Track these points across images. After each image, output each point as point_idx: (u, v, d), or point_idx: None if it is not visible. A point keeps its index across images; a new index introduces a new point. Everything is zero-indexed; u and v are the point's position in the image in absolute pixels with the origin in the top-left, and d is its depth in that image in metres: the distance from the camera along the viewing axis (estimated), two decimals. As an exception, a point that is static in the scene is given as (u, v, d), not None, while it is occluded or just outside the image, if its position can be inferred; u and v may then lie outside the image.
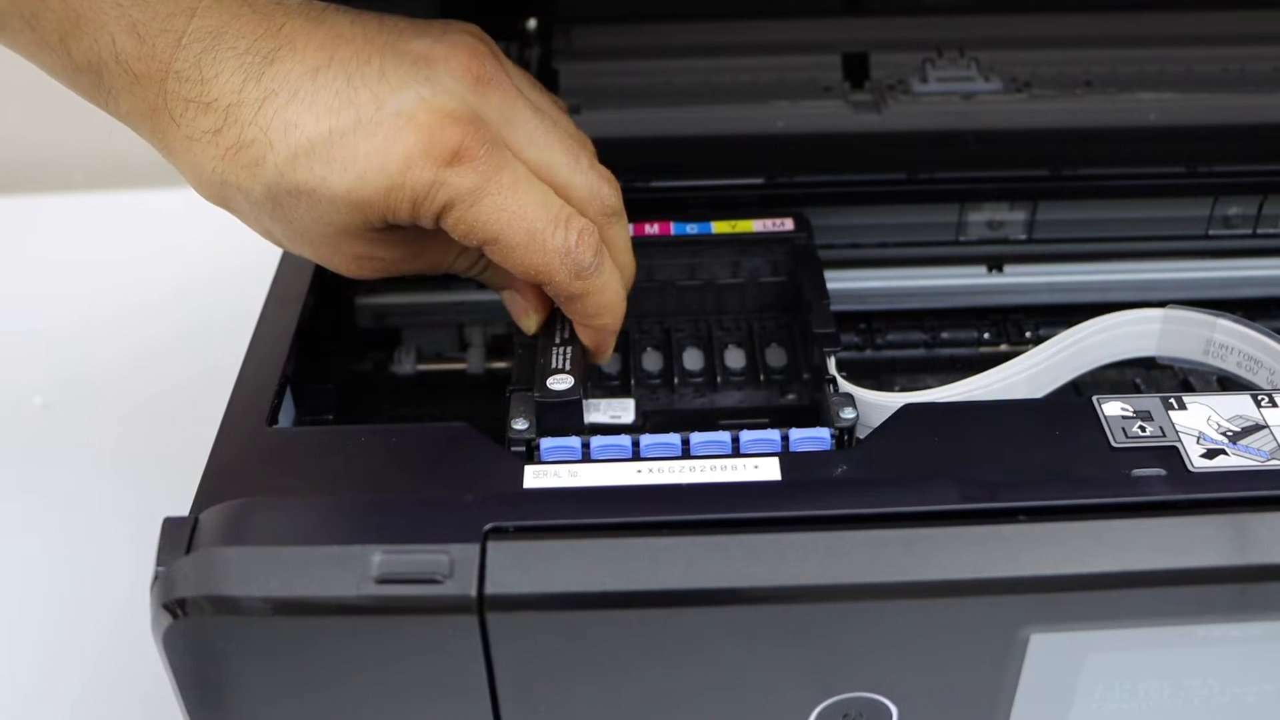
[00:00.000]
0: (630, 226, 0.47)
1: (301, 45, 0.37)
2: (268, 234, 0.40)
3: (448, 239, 0.39)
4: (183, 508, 0.36)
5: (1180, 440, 0.36)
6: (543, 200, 0.38)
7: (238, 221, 0.40)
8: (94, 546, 0.57)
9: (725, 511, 0.35)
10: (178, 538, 0.34)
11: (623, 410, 0.40)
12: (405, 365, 0.51)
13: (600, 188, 0.41)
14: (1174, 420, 0.37)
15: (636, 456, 0.37)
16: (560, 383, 0.39)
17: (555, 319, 0.43)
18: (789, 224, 0.48)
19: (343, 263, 0.40)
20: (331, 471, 0.37)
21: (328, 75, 0.37)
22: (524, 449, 0.38)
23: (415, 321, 0.52)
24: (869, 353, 0.52)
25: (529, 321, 0.43)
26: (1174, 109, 0.54)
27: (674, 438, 0.37)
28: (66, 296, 0.74)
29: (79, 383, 0.68)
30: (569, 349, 0.41)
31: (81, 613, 0.54)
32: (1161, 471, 0.35)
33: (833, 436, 0.38)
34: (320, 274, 0.48)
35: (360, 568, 0.33)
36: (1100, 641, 0.35)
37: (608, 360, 0.44)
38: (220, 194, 0.38)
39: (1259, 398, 0.38)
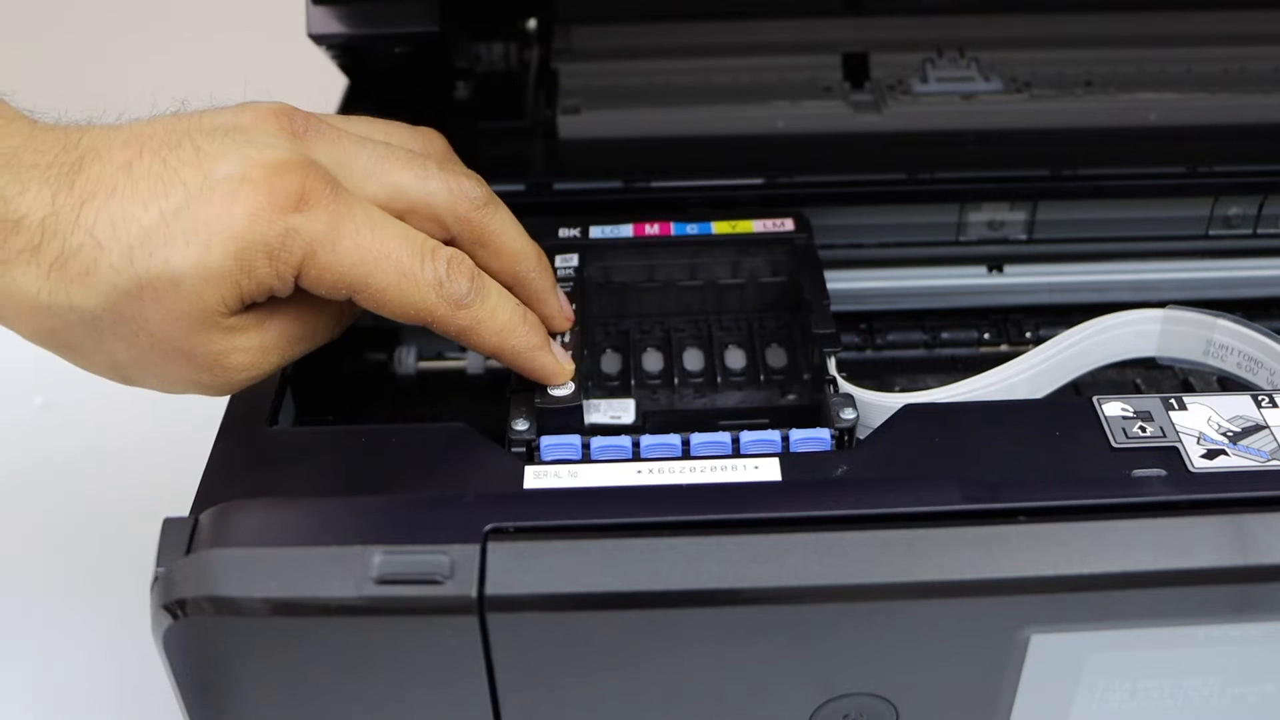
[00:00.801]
0: (631, 227, 0.48)
1: (105, 149, 0.35)
2: (113, 365, 0.37)
3: (316, 304, 0.37)
4: (182, 508, 0.36)
5: (1181, 441, 0.36)
6: (403, 233, 0.37)
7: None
8: (94, 547, 0.57)
9: (725, 512, 0.35)
10: (178, 538, 0.34)
11: (623, 411, 0.40)
12: (405, 365, 0.51)
13: (459, 183, 0.39)
14: (1174, 421, 0.37)
15: (637, 457, 0.37)
16: (561, 389, 0.39)
17: None
18: (789, 224, 0.48)
19: (205, 372, 0.36)
20: (331, 472, 0.37)
21: (141, 165, 0.35)
22: (524, 449, 0.38)
23: (415, 321, 0.52)
24: (869, 353, 0.52)
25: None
26: (1174, 109, 0.54)
27: (674, 438, 0.37)
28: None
29: (79, 383, 0.67)
30: (569, 354, 0.41)
31: (81, 614, 0.54)
32: (1162, 472, 0.35)
33: (833, 437, 0.38)
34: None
35: (360, 568, 0.33)
36: (1100, 642, 0.35)
37: (566, 376, 0.40)
38: (50, 326, 0.35)
39: (1259, 398, 0.38)
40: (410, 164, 0.39)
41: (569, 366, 0.40)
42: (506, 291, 0.39)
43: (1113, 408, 0.38)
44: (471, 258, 0.39)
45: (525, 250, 0.41)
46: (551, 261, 0.46)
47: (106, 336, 0.35)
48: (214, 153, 0.35)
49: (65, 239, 0.34)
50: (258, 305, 0.36)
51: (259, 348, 0.37)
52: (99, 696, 0.50)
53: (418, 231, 0.37)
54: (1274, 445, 0.36)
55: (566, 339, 0.42)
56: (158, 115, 0.37)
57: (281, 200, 0.35)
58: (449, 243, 0.39)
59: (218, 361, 0.36)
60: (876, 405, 0.40)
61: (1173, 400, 0.38)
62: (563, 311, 0.42)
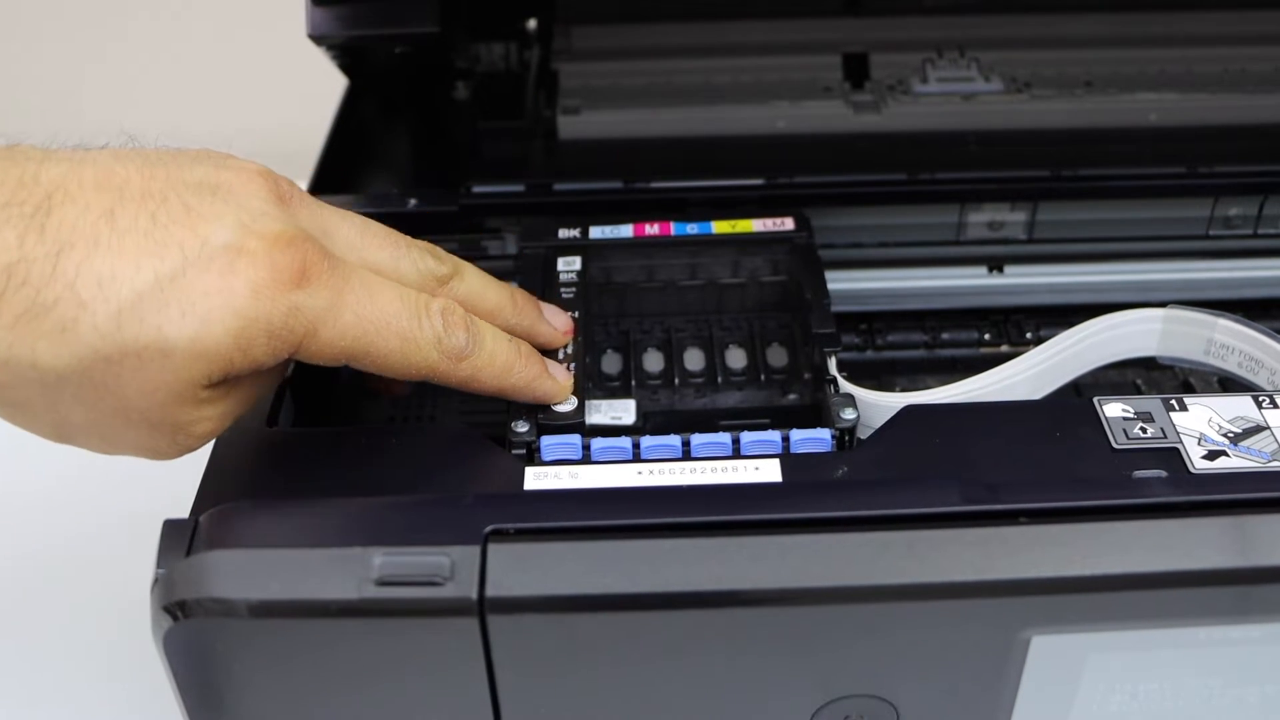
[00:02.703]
0: (631, 227, 0.48)
1: (76, 189, 0.32)
2: (57, 425, 0.33)
3: (277, 366, 0.36)
4: (183, 509, 0.36)
5: (1181, 441, 0.36)
6: (398, 294, 0.36)
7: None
8: (94, 548, 0.57)
9: (726, 513, 0.35)
10: (178, 539, 0.34)
11: (623, 411, 0.40)
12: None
13: (425, 262, 0.39)
14: (1175, 421, 0.37)
15: (637, 458, 0.37)
16: (563, 404, 0.39)
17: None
18: (789, 224, 0.48)
19: (164, 439, 0.34)
20: (332, 473, 0.37)
21: (126, 218, 0.32)
22: (524, 450, 0.38)
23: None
24: (870, 353, 0.52)
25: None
26: (1174, 109, 0.54)
27: (674, 439, 0.37)
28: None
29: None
30: (570, 366, 0.41)
31: (81, 614, 0.54)
32: (1163, 473, 0.35)
33: (833, 437, 0.38)
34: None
35: (361, 570, 0.33)
36: (1101, 643, 0.35)
37: (566, 394, 0.40)
38: None
39: (1260, 399, 0.38)
40: (385, 240, 0.39)
41: (568, 384, 0.40)
42: (498, 330, 0.39)
43: (1113, 408, 0.38)
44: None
45: (501, 302, 0.41)
46: (553, 264, 0.46)
47: (65, 399, 0.32)
48: (207, 215, 0.33)
49: (39, 290, 0.31)
50: (224, 384, 0.34)
51: (221, 415, 0.35)
52: (99, 697, 0.50)
53: (408, 289, 0.37)
54: (1275, 446, 0.36)
55: (569, 349, 0.42)
56: (118, 149, 0.35)
57: (284, 275, 0.33)
58: None
59: (181, 430, 0.34)
60: (877, 405, 0.40)
61: (1173, 401, 0.38)
62: (558, 330, 0.42)
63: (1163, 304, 0.43)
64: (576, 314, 0.44)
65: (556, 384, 0.40)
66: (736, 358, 0.46)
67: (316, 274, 0.34)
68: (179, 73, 0.87)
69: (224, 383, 0.34)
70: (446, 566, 0.33)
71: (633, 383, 0.45)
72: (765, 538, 0.34)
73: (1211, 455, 0.36)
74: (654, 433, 0.38)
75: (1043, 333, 0.52)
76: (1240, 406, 0.38)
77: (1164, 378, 0.51)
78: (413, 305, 0.36)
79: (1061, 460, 0.36)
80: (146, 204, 0.33)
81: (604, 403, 0.40)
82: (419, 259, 0.39)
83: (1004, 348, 0.52)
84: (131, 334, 0.31)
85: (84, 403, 0.32)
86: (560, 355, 0.42)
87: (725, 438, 0.38)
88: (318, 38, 0.50)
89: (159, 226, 0.32)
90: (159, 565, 0.34)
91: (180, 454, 0.35)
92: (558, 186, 0.51)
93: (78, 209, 0.32)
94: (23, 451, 0.63)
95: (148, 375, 0.32)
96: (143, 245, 0.32)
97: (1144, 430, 0.37)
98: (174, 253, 0.32)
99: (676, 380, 0.45)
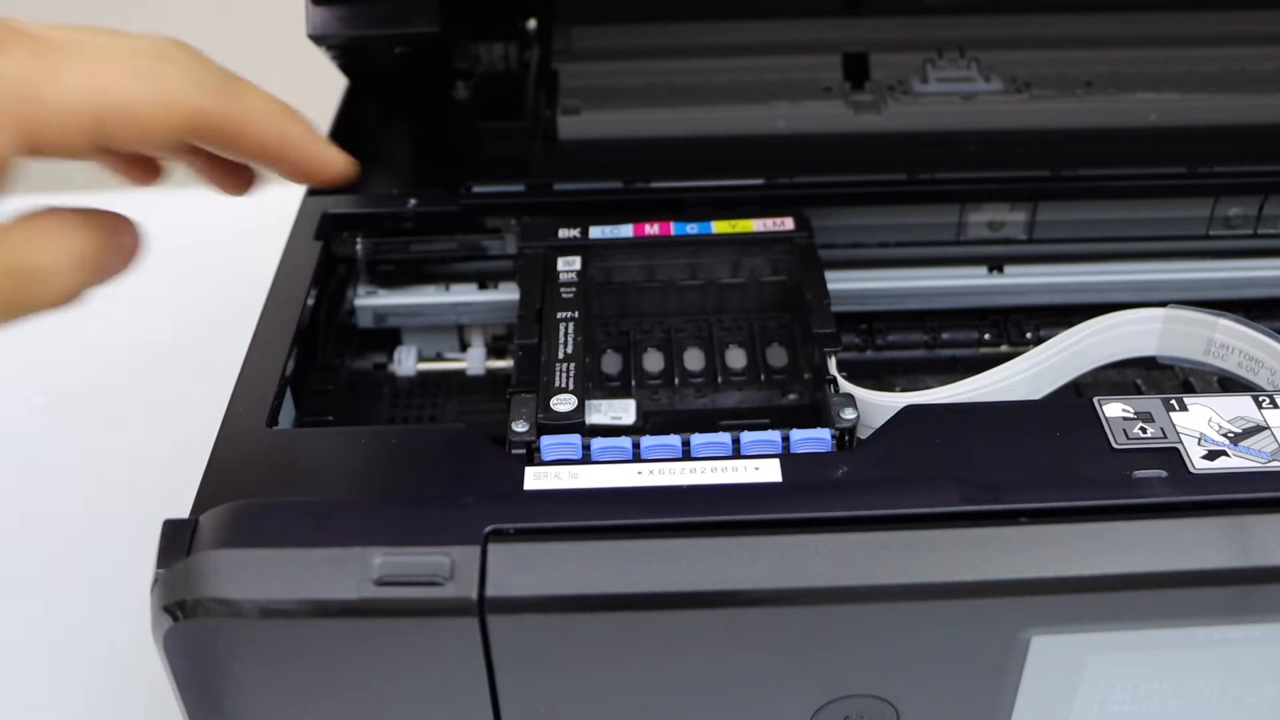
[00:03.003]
0: (631, 227, 0.48)
1: None
2: None
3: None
4: (183, 509, 0.36)
5: (1181, 441, 0.36)
6: (134, 44, 0.33)
7: (238, 222, 0.40)
8: (94, 548, 0.57)
9: (726, 513, 0.35)
10: (178, 539, 0.34)
11: (623, 411, 0.40)
12: (405, 366, 0.51)
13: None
14: (1175, 421, 0.37)
15: (637, 458, 0.37)
16: (563, 403, 0.39)
17: (560, 330, 0.43)
18: (789, 224, 0.48)
19: None
20: (332, 473, 0.37)
21: None
22: (524, 451, 0.38)
23: (415, 322, 0.52)
24: (870, 353, 0.52)
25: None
26: (1174, 109, 0.54)
27: (674, 439, 0.37)
28: (66, 296, 0.74)
29: (79, 383, 0.67)
30: (572, 365, 0.41)
31: (82, 615, 0.54)
32: (1163, 473, 0.35)
33: (833, 437, 0.38)
34: (321, 274, 0.48)
35: (361, 570, 0.33)
36: (1101, 643, 0.35)
37: (344, 169, 0.37)
38: None
39: (1260, 399, 0.38)
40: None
41: (345, 160, 0.37)
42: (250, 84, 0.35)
43: (1113, 408, 0.38)
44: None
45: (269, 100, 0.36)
46: (553, 264, 0.46)
47: None
48: None
49: None
50: None
51: None
52: (100, 698, 0.50)
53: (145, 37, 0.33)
54: (1275, 446, 0.36)
55: (569, 349, 0.42)
56: None
57: None
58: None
59: None
60: (877, 405, 0.40)
61: (1173, 401, 0.38)
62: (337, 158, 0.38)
63: (1163, 304, 0.43)
64: (577, 314, 0.44)
65: (334, 150, 0.37)
66: (736, 358, 0.46)
67: (9, 42, 0.31)
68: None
69: None
70: (446, 566, 0.33)
71: (633, 383, 0.45)
72: (765, 538, 0.34)
73: (1211, 455, 0.36)
74: (654, 433, 0.38)
75: (1043, 333, 0.52)
76: (1240, 406, 0.38)
77: (1164, 378, 0.51)
78: (150, 47, 0.33)
79: (1061, 460, 0.36)
80: None
81: (604, 403, 0.40)
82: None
83: (1004, 348, 0.52)
84: None
85: None
86: (560, 355, 0.42)
87: (725, 438, 0.38)
88: (318, 38, 0.50)
89: None
90: (159, 565, 0.34)
91: None
92: (558, 186, 0.51)
93: None
94: (22, 451, 0.63)
95: None
96: None
97: (1144, 430, 0.37)
98: None
99: (676, 380, 0.45)
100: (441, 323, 0.52)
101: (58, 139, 0.32)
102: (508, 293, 0.51)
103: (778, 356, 0.46)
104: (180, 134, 0.33)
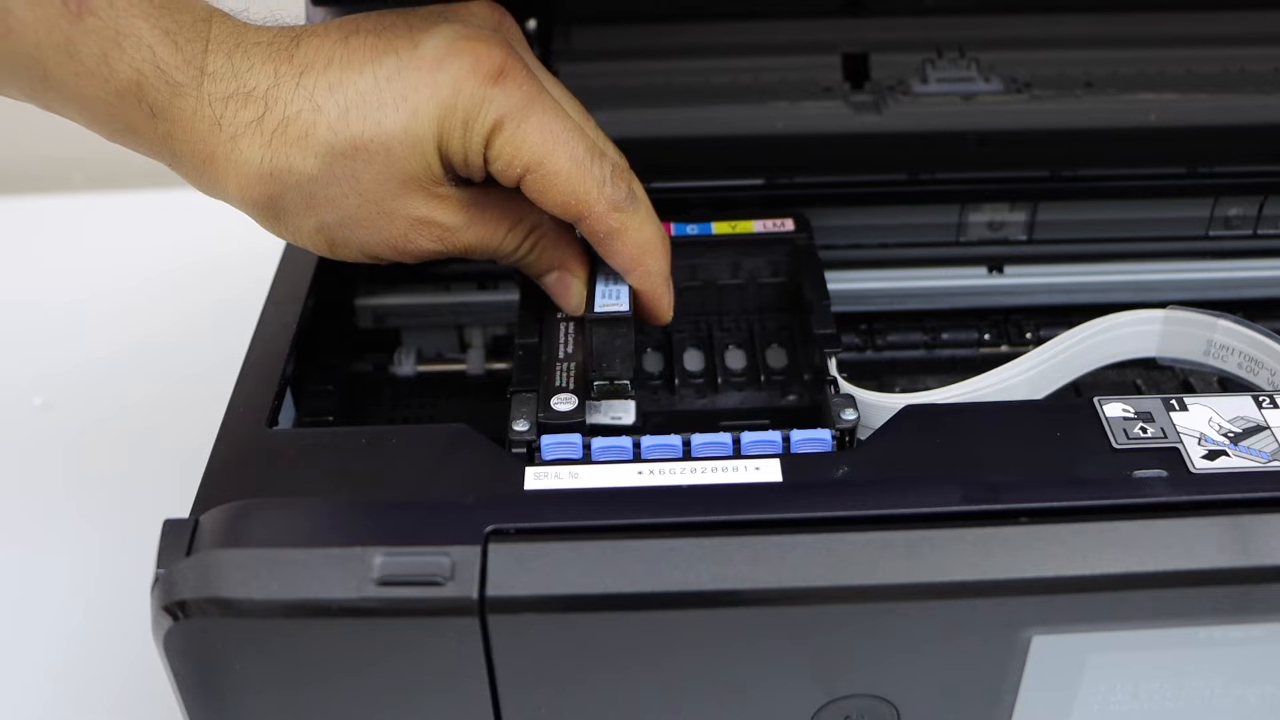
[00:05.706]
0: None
1: (322, 30, 0.38)
2: (320, 228, 0.39)
3: (500, 210, 0.40)
4: (183, 509, 0.36)
5: (1181, 441, 0.36)
6: (581, 130, 0.39)
7: (237, 222, 0.40)
8: (94, 548, 0.57)
9: (726, 513, 0.35)
10: (178, 539, 0.34)
11: (623, 411, 0.40)
12: (405, 366, 0.51)
13: (610, 146, 0.42)
14: (1175, 421, 0.37)
15: (637, 458, 0.37)
16: (564, 403, 0.39)
17: (560, 330, 0.43)
18: (789, 224, 0.48)
19: (402, 234, 0.39)
20: (332, 473, 0.37)
21: (358, 40, 0.38)
22: (525, 450, 0.38)
23: (415, 322, 0.52)
24: (870, 354, 0.52)
25: (575, 296, 0.43)
26: (1174, 109, 0.54)
27: (675, 439, 0.37)
28: (66, 297, 0.74)
29: (79, 383, 0.67)
30: (572, 365, 0.41)
31: (82, 615, 0.54)
32: (1163, 473, 0.35)
33: (834, 438, 0.38)
34: (320, 275, 0.48)
35: (361, 570, 0.33)
36: (1102, 643, 0.35)
37: (670, 317, 0.43)
38: (269, 191, 0.38)
39: (1260, 399, 0.38)
40: (578, 109, 0.41)
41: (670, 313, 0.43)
42: (654, 213, 0.41)
43: (1113, 408, 0.38)
44: (600, 248, 0.41)
45: (660, 233, 0.42)
46: None
47: (319, 199, 0.38)
48: (425, 27, 0.38)
49: (285, 106, 0.37)
50: (459, 189, 0.39)
51: (450, 226, 0.39)
52: (100, 698, 0.50)
53: (589, 132, 0.40)
54: (1275, 446, 0.36)
55: (569, 349, 0.42)
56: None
57: (484, 69, 0.37)
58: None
59: (416, 225, 0.39)
60: (877, 406, 0.40)
61: (1173, 401, 0.38)
62: (669, 309, 0.43)
63: (1163, 304, 0.43)
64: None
65: (672, 300, 0.42)
66: (736, 359, 0.46)
67: (513, 76, 0.38)
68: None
69: (454, 189, 0.39)
70: (447, 566, 0.33)
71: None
72: (765, 538, 0.34)
73: (1211, 455, 0.36)
74: (654, 433, 0.38)
75: (1043, 333, 0.52)
76: (1240, 406, 0.38)
77: (1164, 378, 0.51)
78: (591, 143, 0.39)
79: (1062, 460, 0.36)
80: (377, 29, 0.39)
81: (604, 403, 0.40)
82: (607, 142, 0.42)
83: (1004, 348, 0.52)
84: (357, 129, 0.37)
85: (334, 201, 0.38)
86: (560, 355, 0.42)
87: (725, 438, 0.38)
88: (318, 38, 0.50)
89: (383, 40, 0.38)
90: (159, 565, 0.34)
91: (426, 253, 0.40)
92: (558, 187, 0.51)
93: (319, 38, 0.38)
94: (25, 450, 0.63)
95: (378, 167, 0.37)
96: (367, 55, 0.38)
97: (1144, 430, 0.37)
98: (391, 58, 0.37)
99: (677, 381, 0.45)
100: (441, 323, 0.52)
101: (493, 159, 0.38)
102: (508, 293, 0.51)
103: (778, 357, 0.46)
104: (564, 217, 0.40)
